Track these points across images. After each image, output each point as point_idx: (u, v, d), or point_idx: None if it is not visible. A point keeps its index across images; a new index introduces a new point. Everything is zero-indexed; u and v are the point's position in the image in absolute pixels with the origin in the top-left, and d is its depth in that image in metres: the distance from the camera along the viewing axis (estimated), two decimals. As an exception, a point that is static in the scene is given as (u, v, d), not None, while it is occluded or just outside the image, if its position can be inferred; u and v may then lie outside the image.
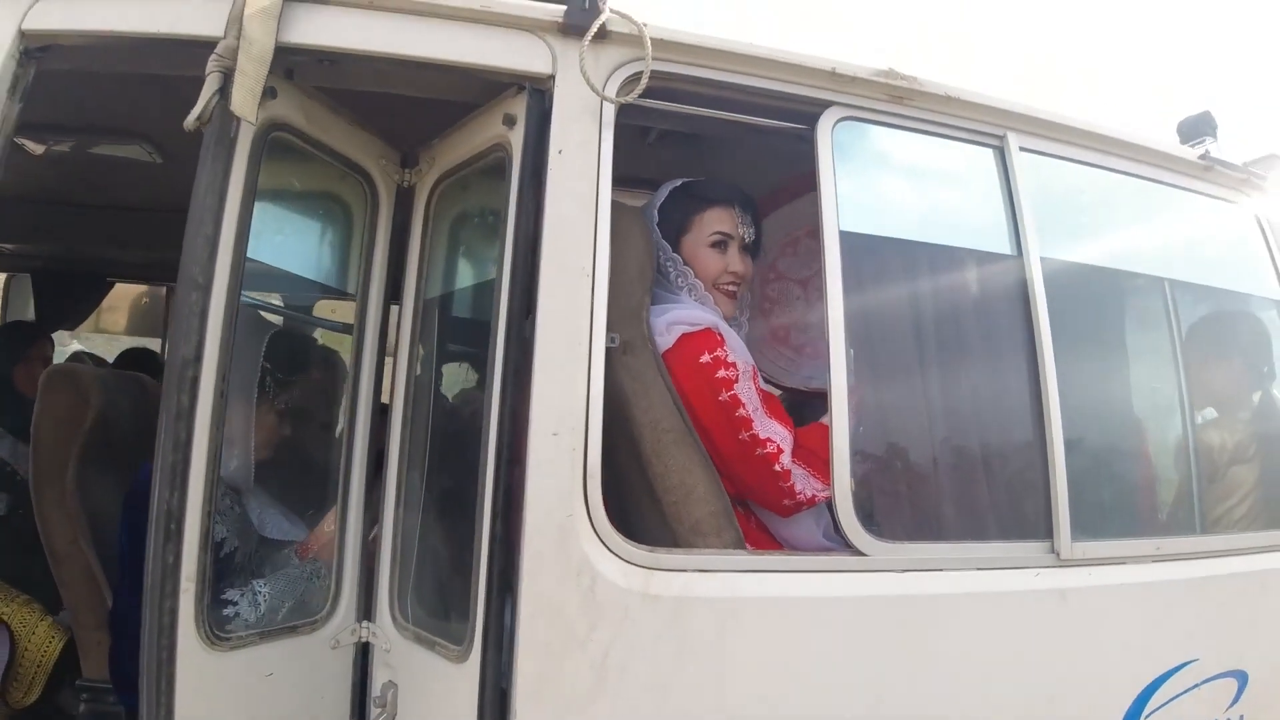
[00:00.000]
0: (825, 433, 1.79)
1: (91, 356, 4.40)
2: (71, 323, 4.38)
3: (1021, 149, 1.97)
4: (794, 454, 1.79)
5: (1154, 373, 2.26)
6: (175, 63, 1.70)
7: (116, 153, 2.79)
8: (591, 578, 1.53)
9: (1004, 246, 1.93)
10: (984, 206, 1.95)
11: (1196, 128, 2.34)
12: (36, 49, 1.63)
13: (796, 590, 1.65)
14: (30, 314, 4.20)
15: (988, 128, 1.96)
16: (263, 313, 2.20)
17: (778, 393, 2.30)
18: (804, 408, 2.13)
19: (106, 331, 5.26)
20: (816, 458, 1.80)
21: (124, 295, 4.88)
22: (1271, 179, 2.43)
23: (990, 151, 1.97)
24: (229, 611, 1.77)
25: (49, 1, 1.61)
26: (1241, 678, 2.03)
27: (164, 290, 4.73)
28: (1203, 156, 2.28)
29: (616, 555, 1.56)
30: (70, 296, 4.20)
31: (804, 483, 1.77)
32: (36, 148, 2.68)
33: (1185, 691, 1.94)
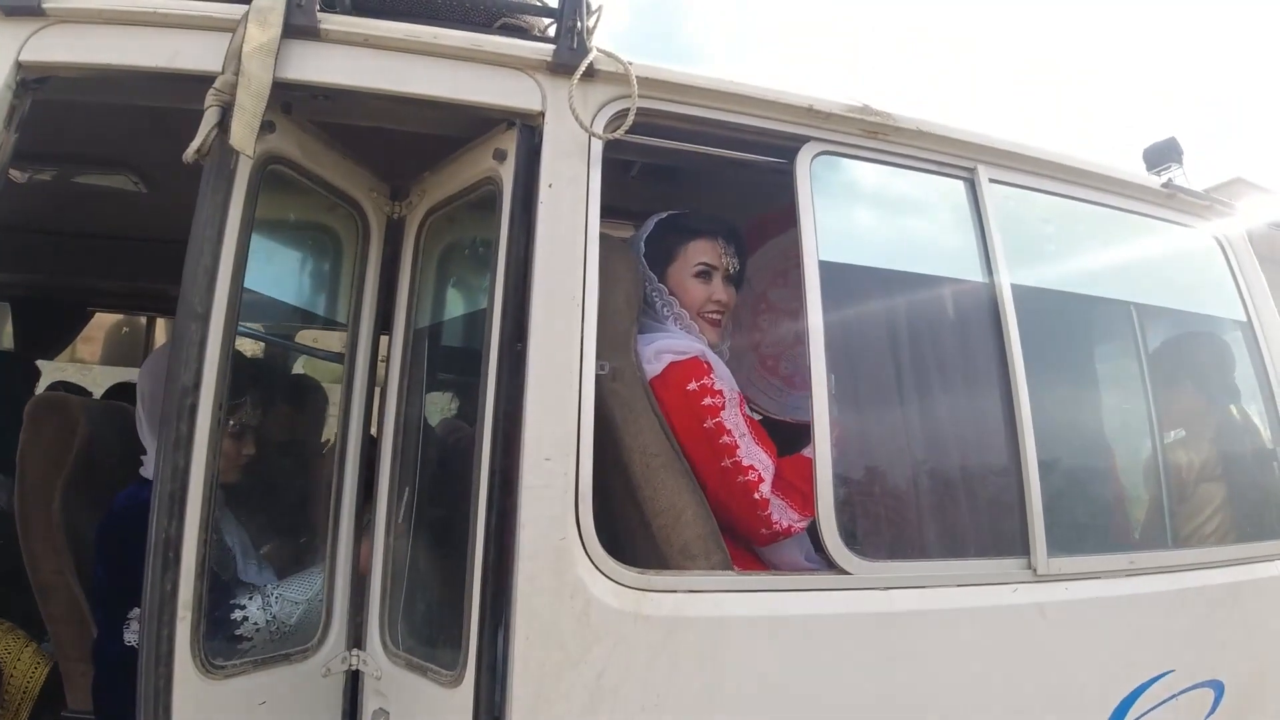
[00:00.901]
0: (805, 464, 1.85)
1: (67, 385, 4.36)
2: (51, 352, 4.34)
3: (991, 180, 2.05)
4: (773, 484, 1.84)
5: (1123, 394, 2.34)
6: (171, 96, 1.74)
7: (101, 182, 2.80)
8: (585, 600, 1.56)
9: (976, 274, 2.00)
10: (956, 236, 2.03)
11: (1162, 154, 2.43)
12: (33, 80, 1.66)
13: (783, 609, 1.69)
14: (7, 343, 4.17)
15: (959, 160, 2.04)
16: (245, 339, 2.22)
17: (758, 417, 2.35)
18: (792, 439, 2.18)
19: (81, 361, 5.21)
20: (795, 489, 1.86)
21: (99, 324, 4.85)
22: (1238, 203, 2.53)
23: (961, 183, 2.05)
24: (237, 615, 1.78)
25: (47, 34, 1.65)
26: (1218, 688, 2.08)
27: (143, 320, 4.72)
28: (1166, 184, 2.37)
29: (609, 577, 1.59)
30: (50, 325, 4.18)
31: (781, 513, 1.82)
32: (19, 176, 2.68)
33: (1163, 702, 2.00)
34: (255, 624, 1.80)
